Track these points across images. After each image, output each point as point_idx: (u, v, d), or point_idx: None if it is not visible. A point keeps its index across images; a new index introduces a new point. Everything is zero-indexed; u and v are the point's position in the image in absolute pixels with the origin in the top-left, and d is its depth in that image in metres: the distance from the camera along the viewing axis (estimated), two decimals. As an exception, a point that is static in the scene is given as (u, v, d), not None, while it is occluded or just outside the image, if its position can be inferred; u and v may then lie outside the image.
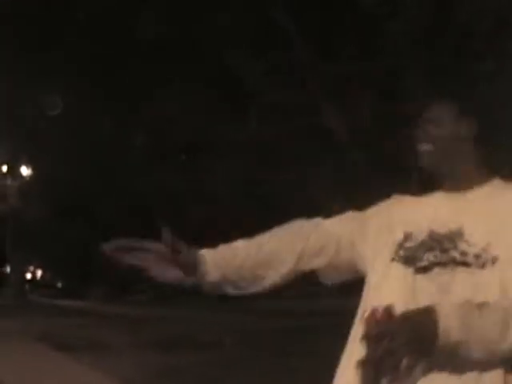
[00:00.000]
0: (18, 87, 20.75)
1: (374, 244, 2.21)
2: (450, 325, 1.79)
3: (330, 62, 14.62)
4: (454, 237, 2.04)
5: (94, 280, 40.20)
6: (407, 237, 2.12)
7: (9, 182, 35.82)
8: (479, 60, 12.00)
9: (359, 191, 16.16)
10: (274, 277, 2.27)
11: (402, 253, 2.10)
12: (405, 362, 1.74)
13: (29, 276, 49.46)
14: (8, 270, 43.85)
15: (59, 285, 48.48)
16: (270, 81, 15.41)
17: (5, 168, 35.68)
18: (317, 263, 2.28)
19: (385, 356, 1.72)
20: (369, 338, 1.75)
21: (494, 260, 1.97)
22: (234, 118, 16.93)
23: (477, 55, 12.27)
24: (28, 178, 35.34)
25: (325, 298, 25.13)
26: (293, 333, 16.15)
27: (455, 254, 2.02)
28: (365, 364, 1.75)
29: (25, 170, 35.51)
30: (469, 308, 1.87)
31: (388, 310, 1.79)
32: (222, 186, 21.08)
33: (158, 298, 33.22)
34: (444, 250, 2.04)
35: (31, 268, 50.32)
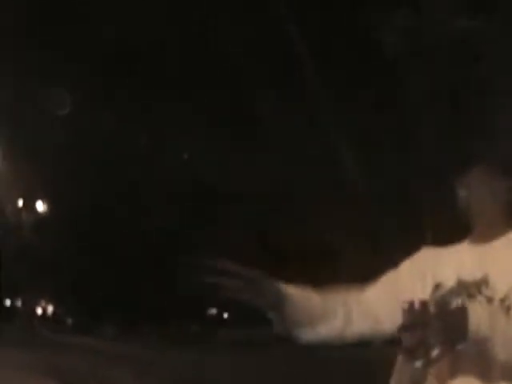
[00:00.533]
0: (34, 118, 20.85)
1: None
2: (479, 322, 2.00)
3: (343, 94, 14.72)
4: (480, 284, 2.22)
5: (104, 317, 40.13)
6: (437, 287, 2.30)
7: (24, 216, 35.94)
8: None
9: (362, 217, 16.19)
10: (325, 329, 2.41)
11: (432, 301, 2.21)
12: (436, 350, 1.97)
13: (40, 311, 49.39)
14: (19, 303, 43.81)
15: (70, 321, 48.41)
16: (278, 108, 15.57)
17: (20, 202, 35.81)
18: (362, 327, 2.43)
19: (418, 343, 1.95)
20: (406, 326, 1.98)
21: None
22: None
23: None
24: (44, 214, 35.45)
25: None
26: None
27: (481, 299, 2.20)
28: (401, 350, 2.01)
29: (40, 206, 35.62)
30: (497, 310, 2.11)
31: (424, 303, 2.01)
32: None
33: (166, 339, 33.08)
34: (471, 296, 2.21)
35: (42, 303, 50.32)
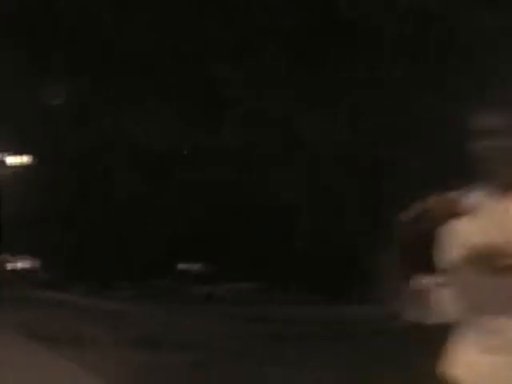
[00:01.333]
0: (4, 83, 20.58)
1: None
2: None
3: (307, 71, 14.70)
4: (505, 247, 2.31)
5: (76, 273, 40.13)
6: (468, 249, 2.38)
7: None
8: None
9: (330, 196, 16.33)
10: None
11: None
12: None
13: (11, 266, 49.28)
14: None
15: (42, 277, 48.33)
16: (245, 90, 15.53)
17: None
18: None
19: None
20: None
21: None
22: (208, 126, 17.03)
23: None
24: (16, 169, 35.20)
25: (304, 306, 25.11)
26: (273, 340, 16.17)
27: (508, 263, 2.30)
28: None
29: (12, 160, 35.36)
30: None
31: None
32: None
33: (139, 296, 33.18)
34: (497, 259, 2.31)
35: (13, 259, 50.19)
